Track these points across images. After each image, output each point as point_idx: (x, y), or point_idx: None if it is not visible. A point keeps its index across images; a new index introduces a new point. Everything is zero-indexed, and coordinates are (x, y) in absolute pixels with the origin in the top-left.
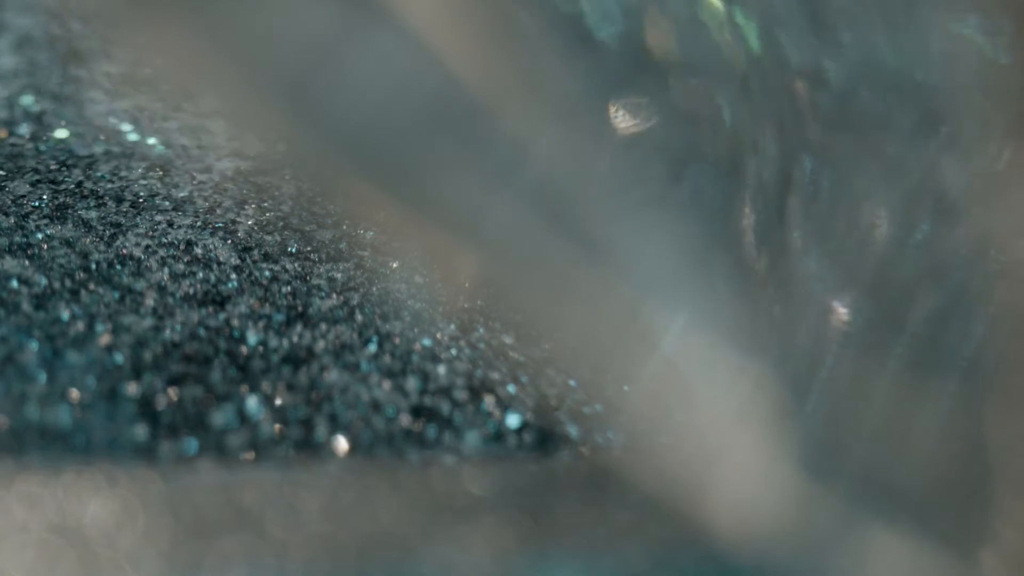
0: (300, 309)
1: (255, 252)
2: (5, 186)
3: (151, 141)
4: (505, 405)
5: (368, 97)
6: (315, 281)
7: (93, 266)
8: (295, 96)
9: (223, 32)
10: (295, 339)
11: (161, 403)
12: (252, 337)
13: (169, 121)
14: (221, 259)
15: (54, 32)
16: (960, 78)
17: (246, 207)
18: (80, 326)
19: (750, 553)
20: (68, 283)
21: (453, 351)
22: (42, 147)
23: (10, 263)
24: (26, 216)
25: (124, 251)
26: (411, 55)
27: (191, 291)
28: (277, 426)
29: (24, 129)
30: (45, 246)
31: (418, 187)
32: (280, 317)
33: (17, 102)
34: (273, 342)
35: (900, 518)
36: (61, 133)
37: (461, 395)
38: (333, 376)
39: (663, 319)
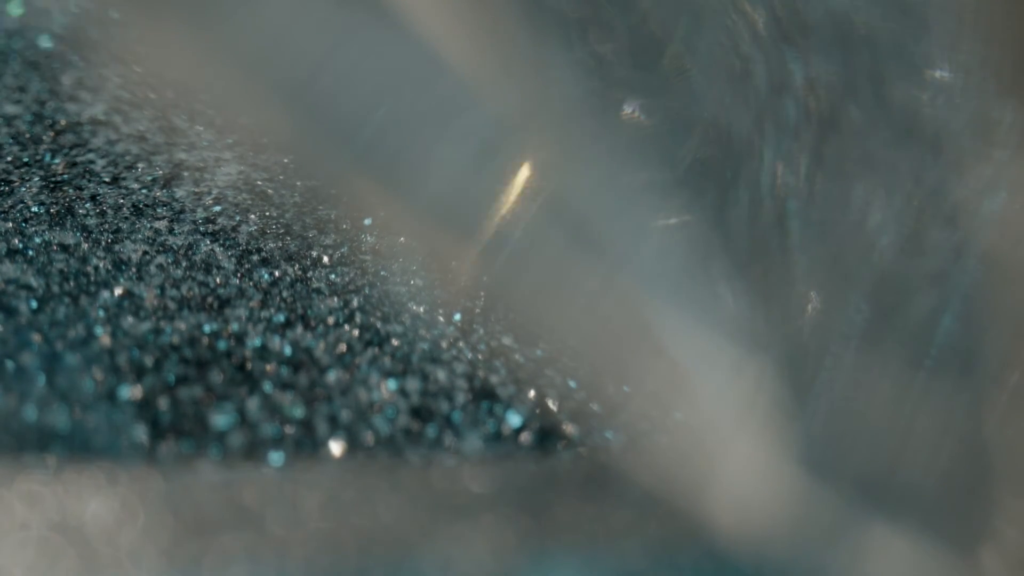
0: (301, 311)
1: (255, 256)
2: (7, 189)
3: (151, 146)
4: (505, 405)
5: (370, 99)
6: (316, 284)
7: (92, 270)
8: (297, 100)
9: (223, 38)
10: (295, 341)
11: (161, 404)
12: (252, 339)
13: (170, 126)
14: (222, 264)
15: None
16: (955, 84)
17: (248, 213)
18: (80, 329)
19: (749, 551)
20: (68, 287)
21: (453, 352)
22: (46, 156)
23: (10, 267)
24: (26, 220)
25: (124, 256)
26: (413, 55)
27: (191, 295)
28: (277, 426)
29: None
30: (45, 250)
31: (419, 187)
32: (280, 319)
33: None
34: (273, 344)
35: (900, 516)
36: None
37: (461, 396)
38: (333, 377)
39: (663, 319)
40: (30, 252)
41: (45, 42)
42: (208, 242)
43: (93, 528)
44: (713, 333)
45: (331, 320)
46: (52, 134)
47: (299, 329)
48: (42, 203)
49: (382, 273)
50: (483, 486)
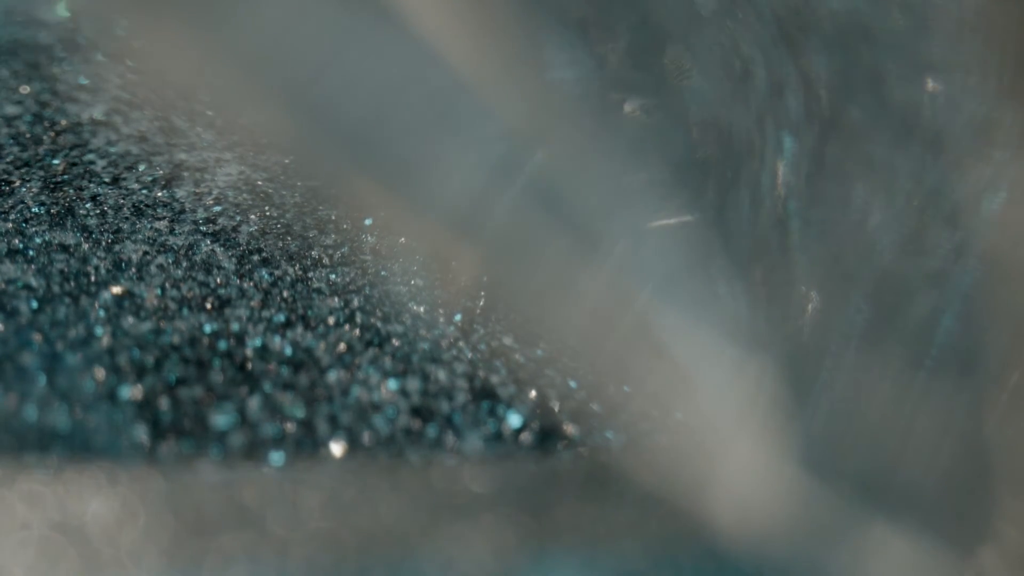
0: (301, 311)
1: (256, 257)
2: (8, 189)
3: (152, 147)
4: (506, 405)
5: (370, 99)
6: (316, 284)
7: (92, 271)
8: (297, 101)
9: (224, 38)
10: (296, 341)
11: (161, 404)
12: (252, 339)
13: (170, 126)
14: (222, 264)
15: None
16: (955, 84)
17: (249, 213)
18: (81, 329)
19: (749, 551)
20: (68, 287)
21: (454, 352)
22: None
23: (10, 267)
24: (27, 221)
25: (124, 256)
26: (413, 56)
27: (191, 295)
28: (277, 426)
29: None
30: (46, 250)
31: (419, 187)
32: (281, 319)
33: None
34: (273, 344)
35: (900, 516)
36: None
37: (461, 396)
38: (333, 377)
39: (663, 319)
40: (30, 252)
41: (45, 42)
42: (208, 242)
43: (94, 528)
44: (713, 333)
45: (331, 320)
46: (52, 134)
47: (299, 329)
48: (42, 203)
49: (383, 273)
50: (483, 486)
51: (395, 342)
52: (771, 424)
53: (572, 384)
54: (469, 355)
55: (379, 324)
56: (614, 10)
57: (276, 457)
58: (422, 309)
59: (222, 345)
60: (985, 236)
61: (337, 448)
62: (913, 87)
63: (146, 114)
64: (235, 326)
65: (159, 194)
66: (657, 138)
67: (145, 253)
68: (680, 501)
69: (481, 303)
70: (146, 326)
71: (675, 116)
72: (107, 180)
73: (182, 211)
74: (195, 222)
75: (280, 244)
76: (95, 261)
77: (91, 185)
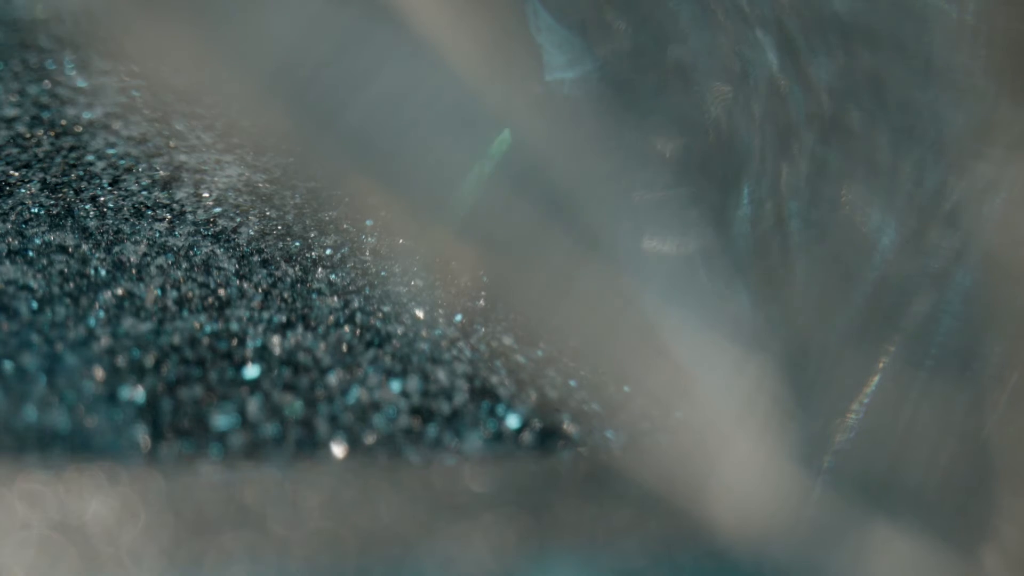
0: (301, 312)
1: (256, 257)
2: (7, 191)
3: (151, 148)
4: (505, 405)
5: (372, 100)
6: (316, 285)
7: (92, 271)
8: (298, 102)
9: (225, 40)
10: (296, 341)
11: (162, 404)
12: (252, 340)
13: (170, 128)
14: (222, 264)
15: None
16: (955, 84)
17: (248, 214)
18: (80, 330)
19: (749, 551)
20: (67, 288)
21: (454, 352)
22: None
23: (10, 268)
24: (26, 222)
25: (124, 257)
26: (416, 58)
27: (191, 295)
28: (277, 426)
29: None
30: (45, 252)
31: (420, 188)
32: (281, 319)
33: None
34: (273, 344)
35: (900, 516)
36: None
37: (461, 396)
38: (333, 377)
39: (664, 319)
40: (30, 253)
41: (45, 44)
42: (208, 243)
43: (94, 528)
44: (713, 333)
45: (331, 320)
46: (52, 135)
47: (299, 329)
48: (41, 205)
49: (383, 274)
50: (483, 486)
51: (395, 342)
52: (771, 424)
53: (572, 384)
54: (469, 355)
55: (379, 324)
56: (614, 10)
57: (276, 457)
58: (422, 309)
59: (222, 345)
60: (985, 236)
61: (337, 448)
62: (914, 87)
63: (146, 116)
64: (235, 326)
65: (159, 195)
66: (657, 138)
67: (145, 254)
68: (680, 501)
69: (481, 303)
70: (146, 326)
71: (675, 116)
72: (107, 182)
73: (182, 212)
74: (195, 223)
75: (280, 245)
76: (95, 262)
77: (90, 187)
